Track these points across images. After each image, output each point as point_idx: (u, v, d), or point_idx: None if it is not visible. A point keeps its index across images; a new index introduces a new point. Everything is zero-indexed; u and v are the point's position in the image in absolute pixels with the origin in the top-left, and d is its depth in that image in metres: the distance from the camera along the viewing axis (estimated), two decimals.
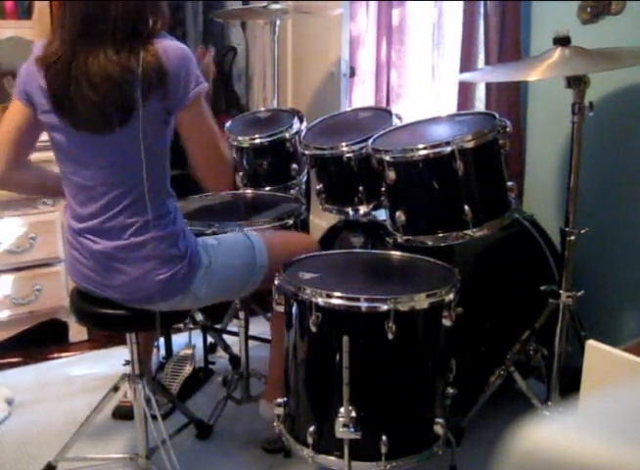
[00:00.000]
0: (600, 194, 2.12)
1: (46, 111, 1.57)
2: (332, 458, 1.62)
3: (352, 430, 1.55)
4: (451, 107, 2.57)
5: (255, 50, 3.54)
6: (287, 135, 2.36)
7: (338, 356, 1.56)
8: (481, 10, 2.31)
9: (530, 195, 2.34)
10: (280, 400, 1.73)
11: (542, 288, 1.90)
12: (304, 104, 3.29)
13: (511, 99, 2.29)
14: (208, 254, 1.72)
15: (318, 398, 1.69)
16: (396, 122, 2.10)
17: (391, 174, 1.81)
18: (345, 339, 1.53)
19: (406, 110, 2.87)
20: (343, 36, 3.04)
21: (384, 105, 2.97)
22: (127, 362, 1.86)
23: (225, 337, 2.61)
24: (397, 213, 1.84)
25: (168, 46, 1.54)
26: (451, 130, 1.91)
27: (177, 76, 1.53)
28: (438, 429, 1.64)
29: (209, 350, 2.60)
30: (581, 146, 1.76)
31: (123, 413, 2.19)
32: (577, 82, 1.70)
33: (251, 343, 2.33)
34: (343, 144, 2.05)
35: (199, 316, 2.45)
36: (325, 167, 2.15)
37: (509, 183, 1.85)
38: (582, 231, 1.80)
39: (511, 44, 2.23)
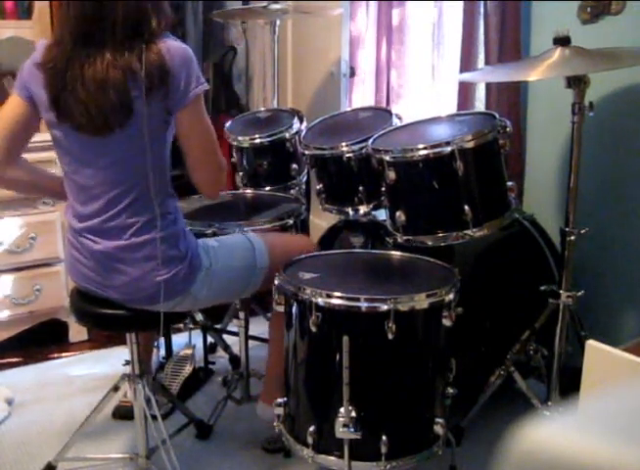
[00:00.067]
0: (600, 194, 2.12)
1: (47, 109, 1.57)
2: (332, 458, 1.62)
3: (352, 430, 1.55)
4: (451, 107, 2.57)
5: (255, 50, 3.54)
6: (287, 135, 2.36)
7: (338, 356, 1.56)
8: (481, 10, 2.31)
9: (530, 195, 2.34)
10: (280, 400, 1.73)
11: (542, 288, 1.90)
12: (304, 104, 3.29)
13: (511, 99, 2.29)
14: (209, 255, 1.72)
15: (318, 397, 1.69)
16: (396, 122, 2.10)
17: (391, 174, 1.81)
18: (345, 339, 1.53)
19: (406, 110, 2.87)
20: (343, 36, 3.04)
21: (384, 105, 2.97)
22: (127, 362, 1.86)
23: (225, 337, 2.61)
24: (397, 213, 1.84)
25: (171, 46, 1.54)
26: (451, 130, 1.91)
27: (179, 76, 1.53)
28: (438, 429, 1.64)
29: (209, 350, 2.60)
30: (581, 146, 1.76)
31: (123, 413, 2.19)
32: (577, 82, 1.70)
33: (251, 343, 2.33)
34: (343, 144, 2.05)
35: (199, 316, 2.45)
36: (325, 167, 2.15)
37: (509, 183, 1.85)
38: (582, 231, 1.80)
39: (511, 44, 2.23)
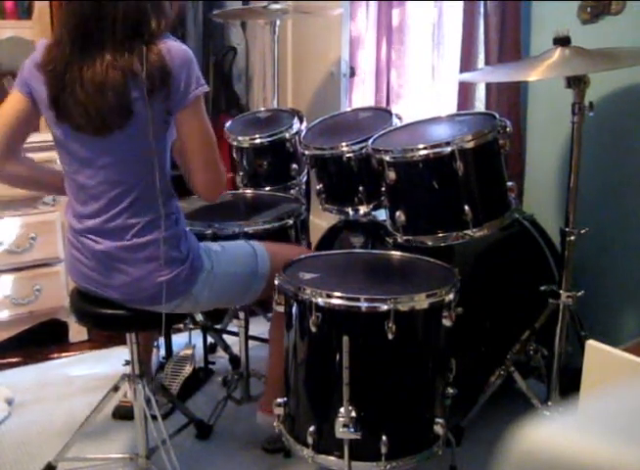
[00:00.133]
0: (600, 194, 2.12)
1: (47, 107, 1.57)
2: (332, 458, 1.62)
3: (352, 430, 1.55)
4: (451, 107, 2.57)
5: (255, 50, 3.54)
6: (287, 135, 2.36)
7: (338, 356, 1.56)
8: (481, 10, 2.31)
9: (530, 195, 2.34)
10: (280, 400, 1.73)
11: (542, 288, 1.90)
12: (304, 104, 3.29)
13: (511, 99, 2.29)
14: (211, 258, 1.72)
15: (318, 398, 1.69)
16: (396, 122, 2.10)
17: (391, 174, 1.81)
18: (345, 339, 1.53)
19: (406, 110, 2.87)
20: (343, 36, 3.04)
21: (384, 105, 2.97)
22: (127, 362, 1.86)
23: (225, 337, 2.60)
24: (397, 213, 1.84)
25: (172, 47, 1.54)
26: (451, 130, 1.91)
27: (179, 77, 1.53)
28: (438, 429, 1.64)
29: (209, 350, 2.60)
30: (581, 146, 1.76)
31: (123, 413, 2.19)
32: (577, 82, 1.70)
33: (251, 343, 2.33)
34: (343, 144, 2.05)
35: (199, 316, 2.45)
36: (325, 167, 2.15)
37: (509, 183, 1.85)
38: (582, 231, 1.80)
39: (511, 44, 2.23)
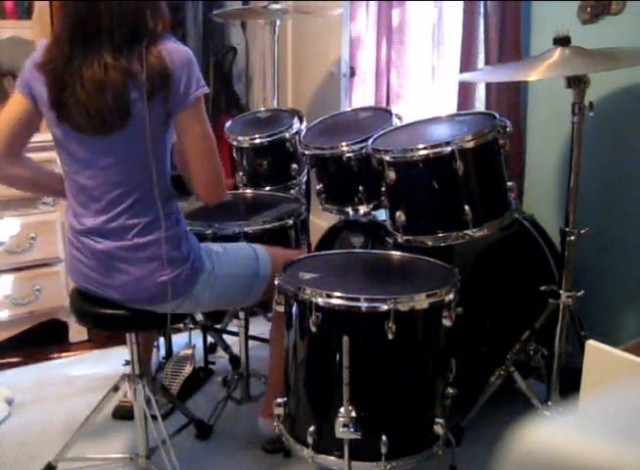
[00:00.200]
0: (600, 194, 2.12)
1: (48, 108, 1.57)
2: (332, 458, 1.62)
3: (352, 430, 1.55)
4: (451, 107, 2.57)
5: (255, 50, 3.54)
6: (287, 135, 2.36)
7: (338, 356, 1.56)
8: (481, 10, 2.31)
9: (530, 195, 2.34)
10: (280, 400, 1.73)
11: (542, 288, 1.90)
12: (304, 104, 3.29)
13: (511, 99, 2.29)
14: (212, 259, 1.72)
15: (318, 398, 1.69)
16: (396, 122, 2.10)
17: (391, 174, 1.81)
18: (345, 339, 1.53)
19: (406, 110, 2.87)
20: (343, 36, 3.04)
21: (384, 105, 2.97)
22: (127, 362, 1.86)
23: (225, 337, 2.61)
24: (397, 213, 1.84)
25: (172, 48, 1.54)
26: (451, 130, 1.91)
27: (179, 79, 1.53)
28: (438, 429, 1.64)
29: (209, 350, 2.60)
30: (581, 146, 1.76)
31: (123, 413, 2.19)
32: (577, 82, 1.70)
33: (251, 343, 2.33)
34: (343, 144, 2.05)
35: (199, 316, 2.45)
36: (325, 167, 2.15)
37: (509, 183, 1.85)
38: (582, 231, 1.80)
39: (511, 44, 2.23)
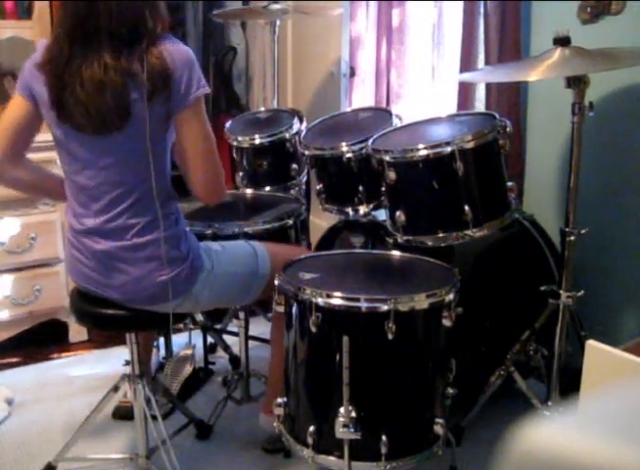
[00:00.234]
0: (600, 194, 2.12)
1: (48, 108, 1.57)
2: (332, 458, 1.62)
3: (352, 430, 1.55)
4: (451, 107, 2.57)
5: (255, 50, 3.54)
6: (287, 135, 2.36)
7: (338, 356, 1.56)
8: (481, 10, 2.31)
9: (530, 195, 2.34)
10: (280, 401, 1.73)
11: (542, 288, 1.90)
12: (304, 104, 3.29)
13: (511, 99, 2.29)
14: (211, 258, 1.72)
15: (318, 398, 1.69)
16: (396, 122, 2.11)
17: (392, 174, 1.81)
18: (345, 339, 1.53)
19: (406, 110, 2.87)
20: (343, 36, 3.04)
21: (384, 105, 2.97)
22: (127, 362, 1.86)
23: (225, 337, 2.61)
24: (397, 214, 1.84)
25: (173, 48, 1.54)
26: (451, 130, 1.91)
27: (180, 79, 1.53)
28: (438, 429, 1.64)
29: (209, 350, 2.60)
30: (581, 146, 1.76)
31: (123, 413, 2.19)
32: (577, 82, 1.70)
33: (251, 343, 2.33)
34: (343, 144, 2.05)
35: (199, 316, 2.45)
36: (325, 168, 2.15)
37: (509, 183, 1.85)
38: (582, 231, 1.80)
39: (511, 44, 2.23)
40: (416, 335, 1.65)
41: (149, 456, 1.86)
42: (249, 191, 2.43)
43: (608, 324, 2.13)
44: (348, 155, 2.04)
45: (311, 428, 1.63)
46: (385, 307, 1.54)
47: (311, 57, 3.31)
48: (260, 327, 2.52)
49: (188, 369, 2.41)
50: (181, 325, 2.54)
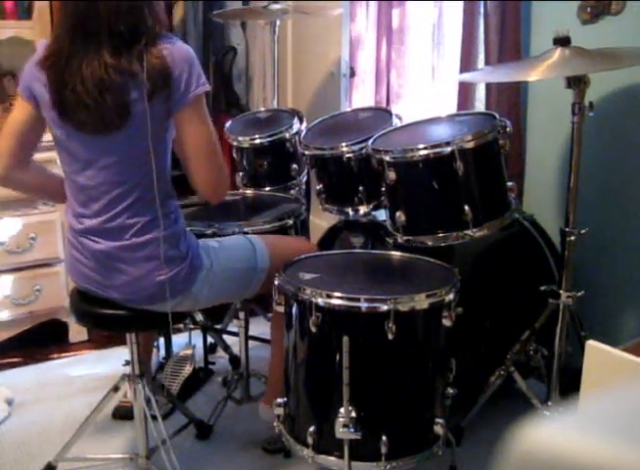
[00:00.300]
0: (600, 194, 2.12)
1: (49, 108, 1.58)
2: (332, 458, 1.62)
3: (352, 430, 1.55)
4: (451, 107, 2.57)
5: (255, 50, 3.54)
6: (287, 135, 2.36)
7: (338, 357, 1.56)
8: (481, 10, 2.31)
9: (530, 195, 2.34)
10: (280, 401, 1.73)
11: (542, 288, 1.90)
12: (304, 104, 3.29)
13: (511, 99, 2.29)
14: (209, 256, 1.72)
15: (318, 398, 1.69)
16: (396, 122, 2.10)
17: (392, 174, 1.81)
18: (345, 339, 1.53)
19: (406, 110, 2.87)
20: (344, 36, 3.04)
21: (384, 105, 2.97)
22: (127, 362, 1.86)
23: (225, 337, 2.60)
24: (397, 214, 1.84)
25: (173, 47, 1.54)
26: (451, 130, 1.91)
27: (180, 78, 1.53)
28: (438, 429, 1.64)
29: (209, 350, 2.60)
30: (581, 146, 1.76)
31: (123, 413, 2.19)
32: (577, 82, 1.70)
33: (251, 343, 2.33)
34: (343, 144, 2.05)
35: (199, 316, 2.45)
36: (325, 168, 2.15)
37: (509, 183, 1.85)
38: (582, 231, 1.80)
39: (511, 44, 2.23)
40: (416, 335, 1.65)
41: (149, 456, 1.86)
42: (249, 191, 2.43)
43: (608, 324, 2.13)
44: (348, 155, 2.04)
45: (311, 428, 1.63)
46: (385, 307, 1.54)
47: (311, 57, 3.31)
48: (260, 327, 2.52)
49: (188, 369, 2.41)
50: (181, 325, 2.54)
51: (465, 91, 2.44)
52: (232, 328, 2.55)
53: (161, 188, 1.62)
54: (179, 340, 2.58)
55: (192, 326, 2.55)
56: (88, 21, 1.51)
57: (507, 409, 1.96)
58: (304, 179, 2.46)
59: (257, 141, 2.37)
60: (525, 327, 1.97)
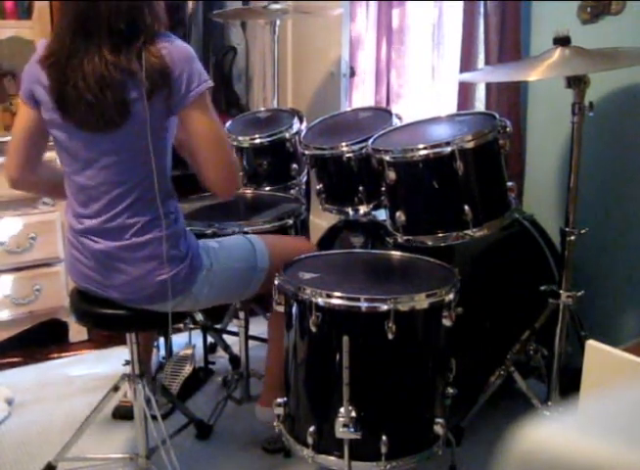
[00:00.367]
0: (600, 194, 2.12)
1: (50, 109, 1.58)
2: (332, 458, 1.62)
3: (352, 430, 1.55)
4: (451, 107, 2.57)
5: (255, 50, 3.54)
6: (287, 135, 2.36)
7: (338, 356, 1.56)
8: (481, 10, 2.31)
9: (530, 195, 2.34)
10: (280, 400, 1.73)
11: (542, 288, 1.90)
12: (304, 104, 3.29)
13: (511, 99, 2.29)
14: (209, 256, 1.72)
15: (318, 398, 1.69)
16: (396, 122, 2.10)
17: (391, 174, 1.81)
18: (345, 339, 1.53)
19: (406, 110, 2.87)
20: (344, 36, 3.04)
21: (384, 105, 2.97)
22: (127, 362, 1.86)
23: (225, 337, 2.60)
24: (397, 213, 1.84)
25: (172, 46, 1.54)
26: (451, 130, 1.91)
27: (180, 77, 1.52)
28: (438, 429, 1.64)
29: (209, 350, 2.60)
30: (581, 146, 1.76)
31: (123, 413, 2.19)
32: (577, 82, 1.70)
33: (251, 343, 2.33)
34: (343, 144, 2.05)
35: (199, 316, 2.45)
36: (325, 167, 2.15)
37: (509, 183, 1.85)
38: (582, 231, 1.80)
39: (511, 44, 2.23)
40: (416, 335, 1.65)
41: (149, 456, 1.86)
42: (249, 191, 2.43)
43: (608, 324, 2.13)
44: (348, 155, 2.04)
45: (311, 428, 1.63)
46: (385, 307, 1.54)
47: (311, 57, 3.31)
48: (260, 327, 2.51)
49: (188, 369, 2.41)
50: (181, 325, 2.54)
51: (465, 91, 2.44)
52: (232, 328, 2.55)
53: (162, 188, 1.62)
54: (179, 340, 2.58)
55: (192, 326, 2.55)
56: (88, 19, 1.51)
57: (507, 409, 1.96)
58: (304, 179, 2.46)
59: (257, 141, 2.37)
60: (525, 327, 1.97)
